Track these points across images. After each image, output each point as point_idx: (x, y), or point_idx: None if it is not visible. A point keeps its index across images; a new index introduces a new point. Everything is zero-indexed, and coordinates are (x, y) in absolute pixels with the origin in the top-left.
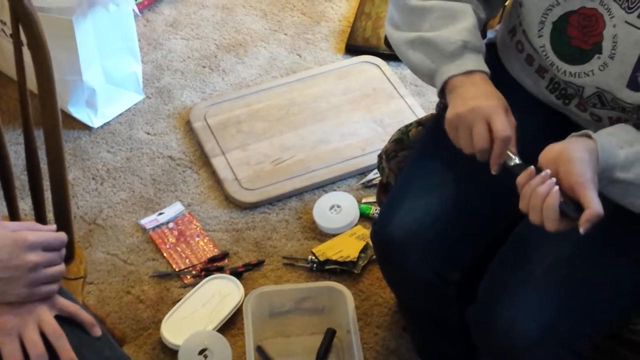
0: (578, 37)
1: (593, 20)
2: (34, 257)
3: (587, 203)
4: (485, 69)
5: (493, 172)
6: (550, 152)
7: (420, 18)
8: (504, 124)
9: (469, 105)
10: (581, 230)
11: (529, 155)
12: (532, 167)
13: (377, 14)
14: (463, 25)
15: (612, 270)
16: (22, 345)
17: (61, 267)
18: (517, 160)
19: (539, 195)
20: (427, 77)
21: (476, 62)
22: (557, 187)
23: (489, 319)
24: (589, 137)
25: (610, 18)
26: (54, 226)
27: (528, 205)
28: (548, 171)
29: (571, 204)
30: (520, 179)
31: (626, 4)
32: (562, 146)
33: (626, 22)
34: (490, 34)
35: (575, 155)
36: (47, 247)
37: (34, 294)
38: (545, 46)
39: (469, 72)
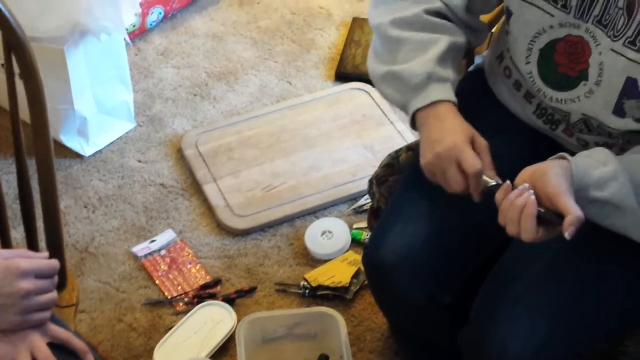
0: (565, 64)
1: (579, 48)
2: (27, 284)
3: (567, 210)
4: (451, 97)
5: (476, 201)
6: (526, 172)
7: (397, 49)
8: (471, 161)
9: (435, 152)
10: (567, 235)
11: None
12: (509, 182)
13: (367, 41)
14: (430, 56)
15: (603, 289)
16: None
17: (54, 294)
18: (494, 182)
19: (516, 207)
20: (402, 109)
21: (441, 92)
22: (534, 197)
23: (481, 342)
24: (565, 158)
25: (597, 46)
26: (47, 254)
27: (506, 218)
28: (526, 185)
29: (551, 212)
30: (498, 195)
31: (612, 32)
32: (537, 165)
33: (612, 50)
34: (478, 60)
35: (549, 171)
36: (40, 275)
37: (26, 321)
38: (532, 73)
39: (434, 104)
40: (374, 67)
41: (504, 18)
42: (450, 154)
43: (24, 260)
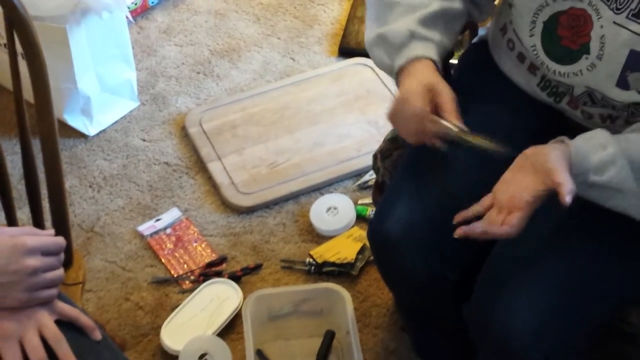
0: (568, 37)
1: (582, 21)
2: (33, 261)
3: (564, 182)
4: (432, 55)
5: (441, 149)
6: (529, 150)
7: (389, 11)
8: (413, 105)
9: (392, 103)
10: (567, 199)
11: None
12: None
13: None
14: (416, 15)
15: (604, 265)
16: (22, 350)
17: (60, 271)
18: (453, 127)
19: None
20: (389, 74)
21: (421, 49)
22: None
23: (485, 317)
24: (564, 142)
25: (598, 19)
26: (52, 231)
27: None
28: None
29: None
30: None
31: (614, 4)
32: (540, 146)
33: (614, 22)
34: (481, 32)
35: (551, 152)
36: (46, 252)
37: (33, 298)
38: (536, 46)
39: (413, 61)
40: (367, 33)
41: None
42: (400, 100)
43: (30, 237)
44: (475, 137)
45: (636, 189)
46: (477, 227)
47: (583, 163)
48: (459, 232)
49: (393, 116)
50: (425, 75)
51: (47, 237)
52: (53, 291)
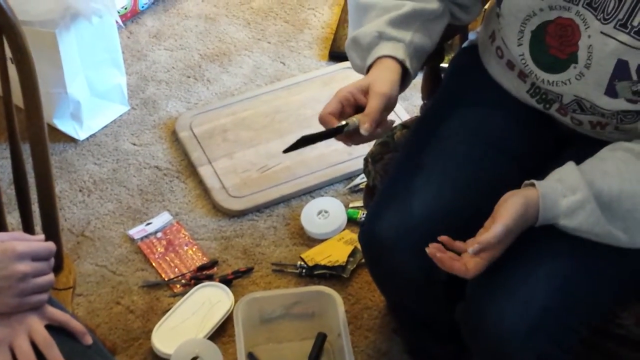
0: (555, 46)
1: (569, 31)
2: (23, 267)
3: (491, 232)
4: (397, 54)
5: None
6: (500, 200)
7: (364, 14)
8: (325, 107)
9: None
10: (470, 250)
11: (516, 154)
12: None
13: None
14: (386, 17)
15: (596, 264)
16: (12, 355)
17: (51, 276)
18: (347, 122)
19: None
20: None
21: (387, 49)
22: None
23: (477, 318)
24: (533, 186)
25: (586, 28)
26: (42, 236)
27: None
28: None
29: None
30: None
31: (602, 14)
32: (508, 194)
33: (602, 32)
34: (471, 36)
35: (511, 199)
36: (36, 257)
37: (23, 303)
38: (524, 54)
39: (379, 59)
40: (347, 39)
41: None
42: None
43: (19, 242)
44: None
45: (609, 230)
46: (444, 257)
47: (553, 209)
48: (431, 250)
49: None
50: (369, 76)
51: (37, 242)
52: (43, 296)
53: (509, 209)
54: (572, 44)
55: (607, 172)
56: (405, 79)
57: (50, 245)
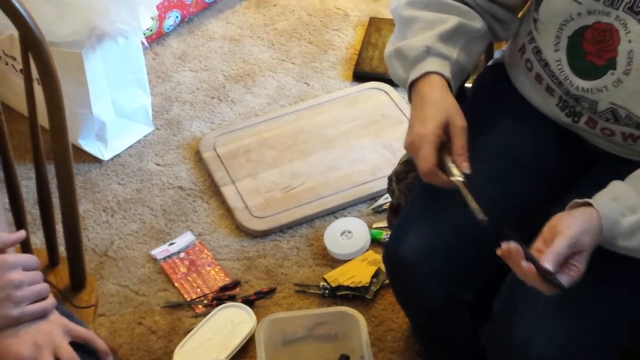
0: (593, 52)
1: (608, 36)
2: (17, 275)
3: (553, 249)
4: (445, 72)
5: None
6: (552, 221)
7: (408, 27)
8: (421, 161)
9: (406, 139)
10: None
11: (543, 172)
12: (505, 246)
13: (383, 43)
14: (434, 32)
15: (624, 287)
16: None
17: (45, 284)
18: (459, 177)
19: (520, 274)
20: (403, 87)
21: (436, 65)
22: (531, 266)
23: (503, 340)
24: (590, 205)
25: (626, 33)
26: (22, 232)
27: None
28: (517, 248)
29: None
30: (500, 253)
31: None
32: (561, 216)
33: None
34: (497, 54)
35: (564, 216)
36: (26, 268)
37: (25, 313)
38: (561, 60)
39: (425, 76)
40: (387, 48)
41: (526, 7)
42: (413, 146)
43: (9, 255)
44: (469, 196)
45: None
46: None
47: (612, 229)
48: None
49: (408, 150)
50: (436, 105)
51: (24, 254)
52: (46, 303)
53: (571, 226)
54: (611, 49)
55: None
56: None
57: (35, 258)
